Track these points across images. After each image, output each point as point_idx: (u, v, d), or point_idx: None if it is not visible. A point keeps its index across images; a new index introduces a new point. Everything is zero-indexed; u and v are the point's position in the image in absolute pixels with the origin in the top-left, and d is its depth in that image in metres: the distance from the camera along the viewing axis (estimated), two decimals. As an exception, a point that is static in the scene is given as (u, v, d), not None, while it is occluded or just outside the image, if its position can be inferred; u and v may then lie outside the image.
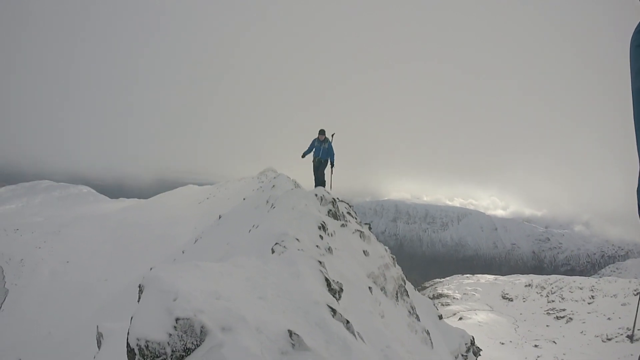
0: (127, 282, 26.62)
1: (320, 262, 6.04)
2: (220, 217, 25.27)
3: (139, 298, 3.48)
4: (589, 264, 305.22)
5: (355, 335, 4.40)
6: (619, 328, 49.65)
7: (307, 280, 4.94)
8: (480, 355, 12.33)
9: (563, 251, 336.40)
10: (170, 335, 2.98)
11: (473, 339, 11.96)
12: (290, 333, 3.46)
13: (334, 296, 5.41)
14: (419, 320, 9.89)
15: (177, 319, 3.04)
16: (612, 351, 45.05)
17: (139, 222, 50.53)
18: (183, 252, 22.90)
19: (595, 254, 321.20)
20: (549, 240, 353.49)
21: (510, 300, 69.05)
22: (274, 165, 66.31)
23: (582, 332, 52.03)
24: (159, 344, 2.94)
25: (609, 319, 53.61)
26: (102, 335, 8.00)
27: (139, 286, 3.59)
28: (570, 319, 56.73)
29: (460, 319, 60.55)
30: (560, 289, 66.73)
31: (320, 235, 8.45)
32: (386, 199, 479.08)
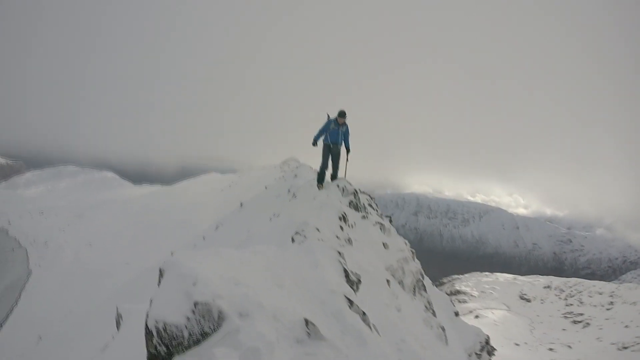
0: (147, 266, 27.06)
1: (339, 253, 6.08)
2: (241, 205, 25.45)
3: (159, 282, 3.55)
4: (610, 269, 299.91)
5: (371, 327, 4.44)
6: (636, 337, 48.76)
7: (325, 270, 5.00)
8: (494, 355, 12.27)
9: (585, 254, 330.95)
10: (188, 319, 3.04)
11: (488, 338, 11.90)
12: (307, 322, 3.51)
13: (352, 287, 5.45)
14: (435, 315, 9.87)
15: (195, 303, 3.09)
16: (627, 359, 44.45)
17: (162, 207, 51.23)
18: (204, 239, 23.16)
19: (617, 258, 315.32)
20: (571, 242, 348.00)
21: (528, 301, 68.28)
22: (296, 155, 66.40)
23: (598, 338, 51.25)
24: (176, 327, 3.00)
25: (626, 326, 52.71)
26: (121, 317, 8.21)
27: (160, 270, 3.65)
28: (588, 324, 55.93)
29: (477, 317, 60.20)
30: (580, 292, 65.74)
31: (340, 226, 8.48)
32: (408, 192, 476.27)
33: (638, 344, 46.92)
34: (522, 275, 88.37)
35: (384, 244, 9.68)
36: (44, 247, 41.99)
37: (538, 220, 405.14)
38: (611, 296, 62.04)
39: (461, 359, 9.68)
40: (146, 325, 3.13)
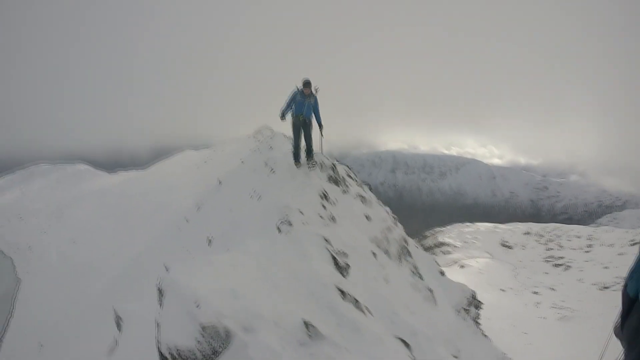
0: (133, 254, 26.97)
1: (325, 239, 6.21)
2: (220, 183, 25.36)
3: (160, 301, 3.63)
4: (586, 213, 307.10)
5: (364, 311, 4.62)
6: (616, 277, 50.62)
7: (315, 260, 5.14)
8: (481, 308, 12.70)
9: (561, 200, 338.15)
10: (198, 341, 3.18)
11: (474, 293, 12.30)
12: (307, 325, 3.66)
13: (341, 273, 5.62)
14: (422, 279, 10.16)
15: (203, 327, 3.22)
16: (608, 299, 46.12)
17: (139, 192, 50.66)
18: (187, 221, 23.14)
19: (592, 203, 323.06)
20: (547, 188, 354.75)
21: (510, 248, 70.07)
22: (269, 123, 65.64)
23: (579, 279, 53.11)
24: (189, 350, 3.15)
25: (605, 267, 54.62)
26: (120, 318, 8.41)
27: (158, 289, 3.73)
28: (569, 266, 57.80)
29: (462, 266, 61.68)
30: (559, 237, 67.62)
31: (322, 205, 8.61)
32: (383, 149, 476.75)
33: (618, 283, 48.82)
34: (501, 223, 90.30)
35: (366, 216, 9.86)
36: (28, 252, 41.50)
37: (513, 169, 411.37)
38: (589, 239, 64.07)
39: (450, 316, 10.00)
40: (160, 352, 3.24)
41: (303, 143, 11.49)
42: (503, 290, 50.90)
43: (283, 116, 11.14)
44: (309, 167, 11.29)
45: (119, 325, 8.98)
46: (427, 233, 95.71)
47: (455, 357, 7.51)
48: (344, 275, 5.70)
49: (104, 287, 24.01)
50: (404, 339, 5.04)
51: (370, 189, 15.50)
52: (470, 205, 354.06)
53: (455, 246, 77.36)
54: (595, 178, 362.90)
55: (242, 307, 3.53)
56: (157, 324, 3.37)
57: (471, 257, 67.54)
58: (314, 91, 11.03)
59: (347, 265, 6.01)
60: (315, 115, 11.18)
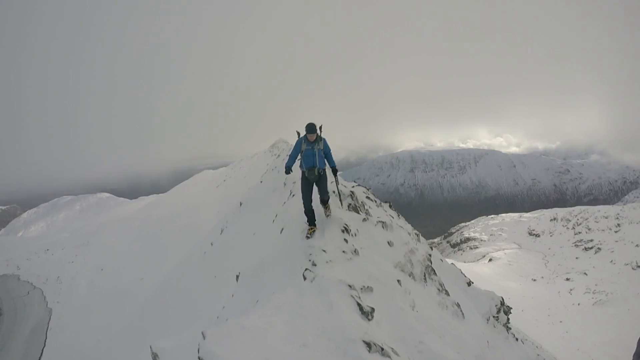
0: (160, 280, 27.47)
1: (349, 286, 6.53)
2: (241, 204, 25.77)
3: None
4: (612, 192, 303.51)
5: (390, 357, 4.94)
6: None
7: (340, 310, 5.48)
8: (510, 313, 12.85)
9: (584, 181, 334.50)
10: None
11: (502, 299, 12.44)
12: None
13: (367, 317, 5.95)
14: (448, 295, 10.36)
15: None
16: (644, 278, 45.75)
17: (162, 216, 51.74)
18: (212, 245, 23.57)
19: (616, 181, 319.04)
20: (568, 171, 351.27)
21: (537, 236, 69.62)
22: (284, 136, 66.17)
23: (611, 261, 52.67)
24: None
25: (637, 245, 54.16)
26: (157, 356, 8.84)
27: (199, 358, 4.13)
28: (599, 249, 57.30)
29: (490, 260, 61.50)
30: (586, 219, 67.04)
31: (344, 239, 8.92)
32: (400, 150, 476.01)
33: None
34: (526, 212, 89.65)
35: (388, 242, 10.11)
36: (57, 283, 42.59)
37: (532, 155, 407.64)
38: (617, 218, 63.40)
39: (479, 328, 10.17)
40: None
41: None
42: (534, 280, 50.66)
43: (288, 170, 9.39)
44: (326, 215, 10.05)
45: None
46: (453, 229, 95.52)
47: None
48: (369, 319, 6.01)
49: (134, 314, 24.58)
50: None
51: (391, 207, 15.73)
52: (493, 196, 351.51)
53: (481, 240, 77.19)
54: (616, 155, 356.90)
55: None
56: None
57: (499, 249, 67.41)
58: (319, 133, 9.59)
59: (372, 309, 6.30)
60: (328, 161, 9.71)
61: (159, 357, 9.62)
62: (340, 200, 11.37)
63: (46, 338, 32.13)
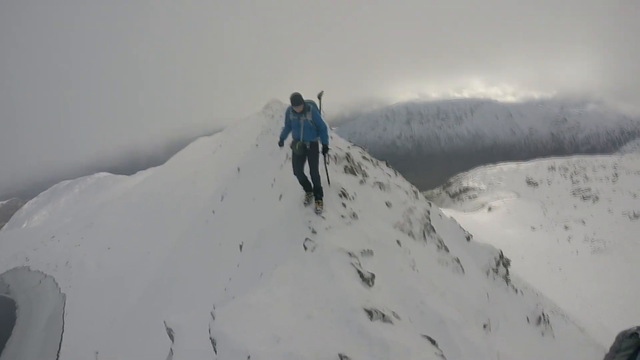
0: (166, 252, 27.75)
1: (349, 254, 6.68)
2: (239, 170, 25.82)
3: (215, 350, 4.30)
4: (609, 142, 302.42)
5: (392, 321, 5.13)
6: None
7: (341, 279, 5.67)
8: (509, 265, 13.09)
9: (582, 130, 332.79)
10: None
11: (501, 252, 12.66)
12: (341, 357, 4.19)
13: (368, 284, 6.13)
14: (447, 251, 10.55)
15: None
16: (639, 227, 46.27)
17: (161, 189, 51.71)
18: (214, 212, 23.75)
19: (614, 131, 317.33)
20: (566, 120, 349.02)
21: (536, 185, 69.91)
22: (277, 96, 65.36)
23: (609, 210, 53.16)
24: None
25: (634, 195, 54.56)
26: (172, 330, 9.25)
27: (211, 339, 4.44)
28: (597, 198, 57.72)
29: (490, 209, 62.14)
30: (584, 169, 67.28)
31: (343, 204, 9.01)
32: (395, 103, 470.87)
33: None
34: (524, 161, 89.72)
35: (386, 203, 10.24)
36: (67, 268, 43.11)
37: (529, 104, 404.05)
38: (615, 168, 63.69)
39: (479, 282, 10.40)
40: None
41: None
42: (533, 228, 51.36)
43: (281, 143, 9.20)
44: (316, 211, 8.80)
45: (171, 337, 9.87)
46: (451, 180, 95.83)
47: (485, 325, 7.97)
48: (370, 285, 6.18)
49: (144, 290, 24.95)
50: (431, 333, 5.57)
51: (388, 165, 15.77)
52: (490, 146, 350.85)
53: (480, 189, 77.63)
54: (613, 105, 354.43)
55: (286, 353, 4.08)
56: None
57: (498, 198, 67.95)
58: (317, 100, 8.98)
59: (372, 275, 6.46)
60: (319, 134, 8.69)
61: (174, 332, 10.01)
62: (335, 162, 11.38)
63: (63, 323, 32.72)
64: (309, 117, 8.47)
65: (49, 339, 31.18)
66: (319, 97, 8.97)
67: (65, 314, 33.92)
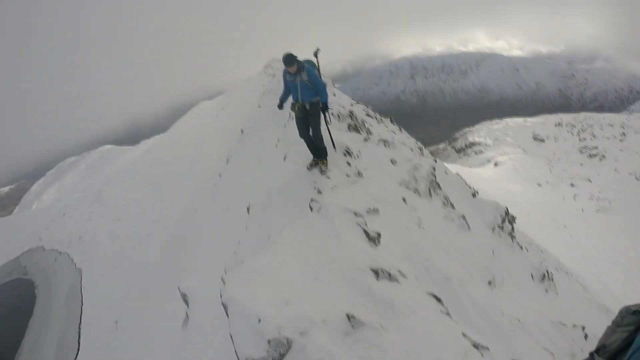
0: (176, 216, 28.03)
1: (355, 213, 6.73)
2: (242, 132, 25.79)
3: (227, 315, 4.46)
4: (618, 100, 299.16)
5: (398, 280, 5.22)
6: None
7: (347, 240, 5.76)
8: (515, 222, 13.13)
9: (590, 87, 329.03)
10: (267, 351, 3.97)
11: (507, 209, 12.67)
12: (349, 317, 4.32)
13: (374, 243, 6.21)
14: (453, 207, 10.59)
15: (269, 341, 3.98)
16: (646, 188, 46.24)
17: (166, 156, 51.65)
18: (220, 176, 23.82)
19: (623, 89, 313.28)
20: (574, 76, 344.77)
21: (542, 141, 69.56)
22: (277, 54, 64.43)
23: (615, 169, 53.08)
24: (262, 358, 3.96)
25: (642, 156, 54.23)
26: (186, 295, 9.52)
27: (223, 304, 4.60)
28: (603, 156, 57.52)
29: (496, 164, 62.03)
30: (591, 126, 66.79)
31: (347, 162, 9.02)
32: (398, 57, 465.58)
33: None
34: (531, 116, 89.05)
35: (391, 160, 10.24)
36: (80, 243, 43.51)
37: (536, 59, 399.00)
38: (622, 127, 63.25)
39: (485, 238, 10.47)
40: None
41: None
42: (539, 185, 51.40)
43: (281, 106, 9.09)
44: (321, 171, 8.72)
45: (186, 302, 10.17)
46: (457, 135, 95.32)
47: (490, 282, 8.07)
48: (376, 244, 6.25)
49: (157, 257, 25.28)
50: (437, 291, 5.67)
51: (392, 121, 15.70)
52: (496, 101, 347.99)
53: (486, 145, 77.35)
54: (622, 63, 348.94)
55: (295, 315, 4.25)
56: (231, 336, 4.22)
57: (504, 154, 67.77)
58: (313, 60, 8.75)
59: (378, 234, 6.51)
60: (318, 94, 8.39)
61: (188, 296, 10.30)
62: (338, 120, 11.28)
63: (82, 297, 33.33)
64: (304, 77, 8.19)
65: (70, 314, 31.84)
66: (315, 55, 8.75)
67: (83, 288, 34.56)
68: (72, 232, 48.05)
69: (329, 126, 9.44)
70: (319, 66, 8.80)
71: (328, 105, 8.54)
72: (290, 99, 8.81)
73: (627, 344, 2.02)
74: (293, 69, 8.16)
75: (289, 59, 8.05)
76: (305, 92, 8.32)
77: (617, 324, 2.18)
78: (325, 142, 8.94)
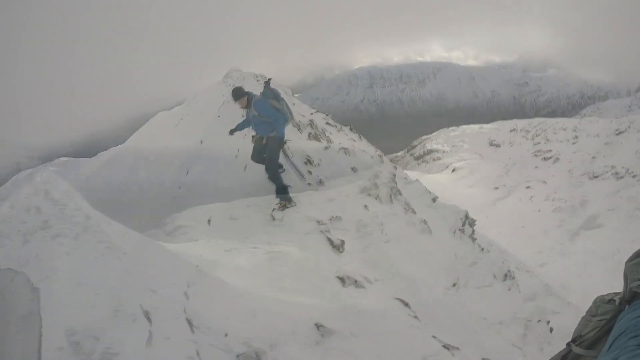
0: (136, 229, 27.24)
1: (318, 222, 6.68)
2: (202, 143, 25.38)
3: (192, 330, 4.26)
4: (570, 106, 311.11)
5: (364, 286, 5.20)
6: (604, 166, 52.31)
7: (312, 248, 5.71)
8: (475, 225, 13.33)
9: (543, 94, 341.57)
10: None
11: (467, 212, 12.86)
12: (318, 326, 4.26)
13: (338, 250, 6.16)
14: (414, 213, 10.67)
15: (237, 355, 3.81)
16: (599, 188, 47.97)
17: (125, 169, 50.32)
18: (180, 188, 23.31)
19: (574, 95, 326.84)
20: (527, 84, 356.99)
21: (498, 146, 71.18)
22: (237, 64, 64.01)
23: (569, 171, 54.70)
24: None
25: (593, 157, 56.08)
26: (148, 312, 9.13)
27: (187, 320, 4.38)
28: (557, 159, 59.23)
29: (454, 170, 63.24)
30: (544, 131, 68.65)
31: (309, 171, 9.00)
32: (357, 67, 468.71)
33: (607, 172, 50.42)
34: (486, 123, 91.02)
35: (352, 168, 10.26)
36: (37, 261, 41.36)
37: (491, 68, 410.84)
38: (575, 131, 65.21)
39: (447, 242, 10.58)
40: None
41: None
42: (497, 188, 52.70)
43: (231, 132, 8.87)
44: (276, 208, 7.72)
45: (148, 319, 9.82)
46: (415, 142, 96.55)
47: (454, 284, 8.15)
48: (340, 252, 6.22)
49: (118, 274, 24.52)
50: (403, 295, 5.67)
51: (352, 130, 15.78)
52: (453, 109, 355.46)
53: (444, 151, 78.66)
54: (574, 70, 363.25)
55: (263, 326, 4.13)
56: (197, 353, 3.98)
57: (461, 159, 69.03)
58: (269, 91, 8.05)
59: (342, 241, 6.50)
60: (274, 126, 7.77)
61: (150, 314, 9.97)
62: (300, 130, 11.28)
63: (41, 318, 32.05)
64: (253, 111, 7.75)
65: (28, 337, 30.57)
66: (266, 85, 8.22)
67: (41, 308, 33.25)
68: (28, 249, 46.27)
69: (292, 160, 9.10)
70: (277, 92, 8.13)
71: (284, 139, 8.18)
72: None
73: (603, 332, 2.02)
74: (243, 102, 7.80)
75: (235, 94, 7.75)
76: (259, 127, 7.97)
77: (592, 313, 2.19)
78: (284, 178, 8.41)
